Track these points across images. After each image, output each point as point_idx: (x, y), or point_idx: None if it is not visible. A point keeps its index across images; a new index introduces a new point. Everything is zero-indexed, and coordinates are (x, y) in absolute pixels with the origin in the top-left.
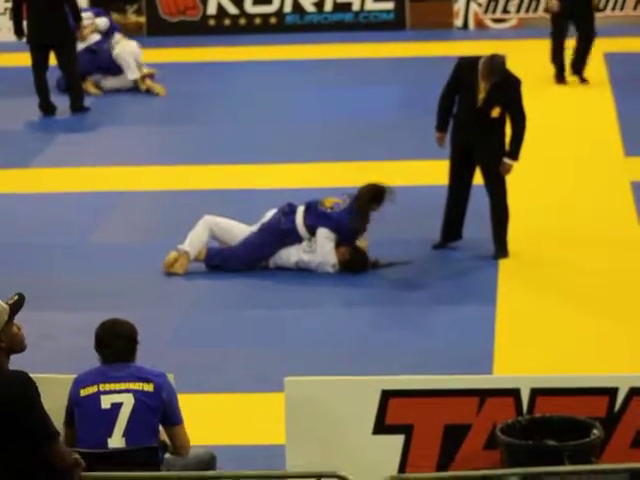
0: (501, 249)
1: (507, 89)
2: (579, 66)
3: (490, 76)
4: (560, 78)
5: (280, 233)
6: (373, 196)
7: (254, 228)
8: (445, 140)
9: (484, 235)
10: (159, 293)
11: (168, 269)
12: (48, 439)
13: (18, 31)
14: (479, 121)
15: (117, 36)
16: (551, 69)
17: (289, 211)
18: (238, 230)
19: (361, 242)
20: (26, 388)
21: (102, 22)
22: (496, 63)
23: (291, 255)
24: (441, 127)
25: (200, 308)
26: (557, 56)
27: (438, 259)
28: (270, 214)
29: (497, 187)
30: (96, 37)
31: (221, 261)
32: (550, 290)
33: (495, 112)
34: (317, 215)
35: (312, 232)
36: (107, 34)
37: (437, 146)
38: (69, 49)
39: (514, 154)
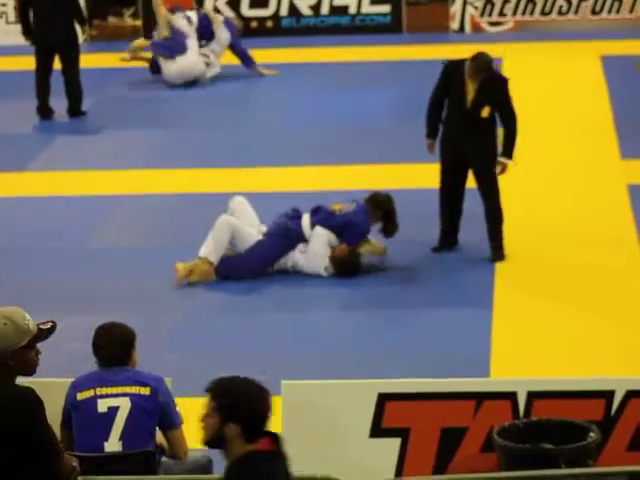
0: (497, 252)
1: (495, 88)
2: None
3: (477, 74)
4: None
5: (287, 236)
6: (379, 203)
7: (259, 236)
8: (435, 146)
9: (480, 237)
10: (157, 297)
11: (183, 280)
12: (53, 455)
13: (26, 32)
14: (469, 123)
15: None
16: (548, 70)
17: (294, 215)
18: (248, 235)
19: (372, 245)
20: (33, 404)
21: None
22: (482, 61)
23: (288, 258)
24: (431, 133)
25: (197, 312)
26: None
27: (434, 262)
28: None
29: (490, 189)
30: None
31: (231, 270)
32: (546, 292)
33: (485, 112)
34: (324, 215)
35: None
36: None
37: (425, 147)
38: (73, 53)
39: (508, 153)
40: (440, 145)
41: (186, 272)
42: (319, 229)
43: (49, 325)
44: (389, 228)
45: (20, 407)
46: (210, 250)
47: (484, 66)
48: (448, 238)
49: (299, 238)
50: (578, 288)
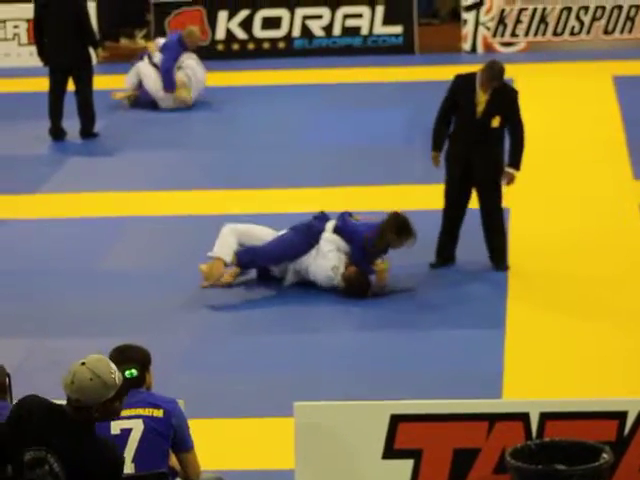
0: (501, 261)
1: (506, 98)
2: None
3: (491, 82)
4: None
5: (309, 233)
6: (395, 225)
7: (284, 230)
8: (440, 160)
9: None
10: (169, 318)
11: (210, 281)
12: None
13: (40, 53)
14: (479, 133)
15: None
16: (560, 90)
17: (321, 217)
18: (264, 233)
19: (380, 265)
20: (120, 460)
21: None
22: (496, 68)
23: (302, 261)
24: (437, 146)
25: (209, 333)
26: None
27: (445, 281)
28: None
29: (495, 199)
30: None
31: (252, 256)
32: (560, 309)
33: (495, 121)
34: (342, 221)
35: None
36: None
37: (437, 167)
38: (86, 74)
39: (516, 164)
40: (446, 159)
41: (209, 271)
42: (328, 234)
43: (134, 372)
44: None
45: (110, 463)
46: (220, 250)
47: (498, 73)
48: (445, 254)
49: (319, 237)
50: (592, 304)
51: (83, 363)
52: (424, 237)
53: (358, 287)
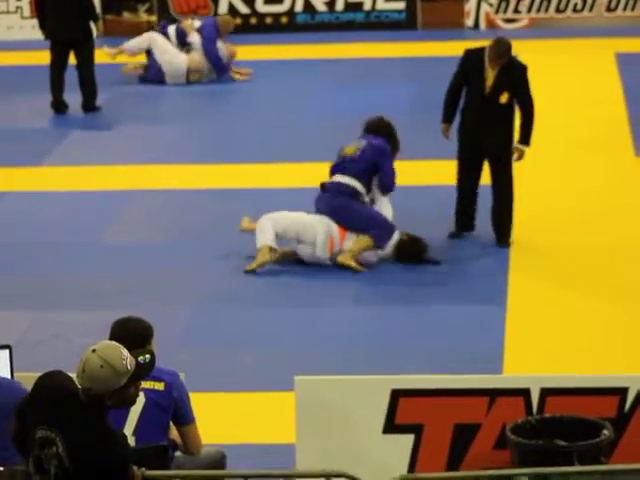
0: (505, 237)
1: (515, 74)
2: None
3: (498, 58)
4: None
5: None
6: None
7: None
8: (450, 131)
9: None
10: (171, 292)
11: (254, 266)
12: None
13: (42, 26)
14: (487, 109)
15: None
16: (563, 67)
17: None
18: (297, 215)
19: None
20: (126, 454)
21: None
22: (503, 44)
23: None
24: (447, 118)
25: (210, 307)
26: None
27: (447, 255)
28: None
29: (505, 175)
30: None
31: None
32: (562, 286)
33: (504, 98)
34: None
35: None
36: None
37: (446, 141)
38: (87, 48)
39: (525, 139)
40: (458, 136)
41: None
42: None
43: (147, 357)
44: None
45: (118, 457)
46: (262, 238)
47: (506, 50)
48: (463, 222)
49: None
50: (594, 280)
51: (94, 350)
52: (429, 212)
53: (414, 253)
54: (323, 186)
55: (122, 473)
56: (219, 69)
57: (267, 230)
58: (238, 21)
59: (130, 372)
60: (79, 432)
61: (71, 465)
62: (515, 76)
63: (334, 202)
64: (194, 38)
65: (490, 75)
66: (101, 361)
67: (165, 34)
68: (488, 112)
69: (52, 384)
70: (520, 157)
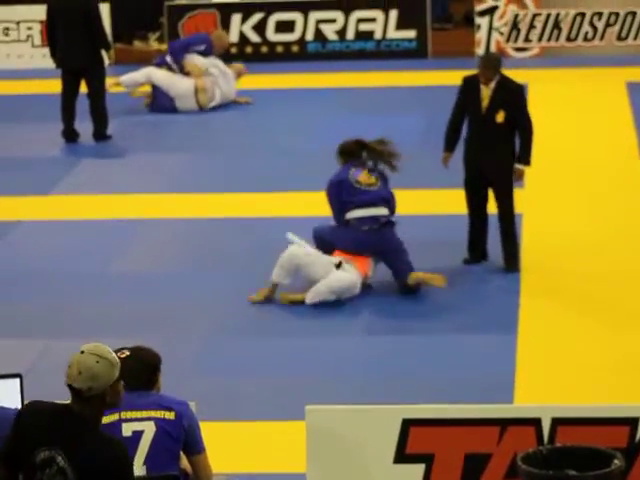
0: (512, 262)
1: (510, 93)
2: None
3: (487, 70)
4: None
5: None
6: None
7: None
8: (449, 160)
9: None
10: (180, 321)
11: (255, 299)
12: None
13: (53, 55)
14: (486, 129)
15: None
16: (573, 96)
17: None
18: (323, 260)
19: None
20: (123, 453)
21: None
22: (490, 56)
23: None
24: (448, 147)
25: (220, 336)
26: None
27: (458, 283)
28: None
29: (506, 201)
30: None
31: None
32: (573, 314)
33: (500, 116)
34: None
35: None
36: None
37: (458, 169)
38: (98, 77)
39: (525, 159)
40: (463, 162)
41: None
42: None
43: (126, 354)
44: (378, 155)
45: (117, 458)
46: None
47: (493, 61)
48: (476, 252)
49: None
50: (605, 306)
51: (82, 352)
52: (441, 241)
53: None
54: (357, 221)
55: (123, 471)
56: (174, 55)
57: (284, 266)
58: (249, 50)
59: (119, 364)
60: (77, 444)
61: (75, 476)
62: (510, 95)
63: (383, 237)
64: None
65: (485, 94)
66: (95, 357)
67: (165, 64)
68: (486, 133)
69: (37, 407)
70: (520, 177)
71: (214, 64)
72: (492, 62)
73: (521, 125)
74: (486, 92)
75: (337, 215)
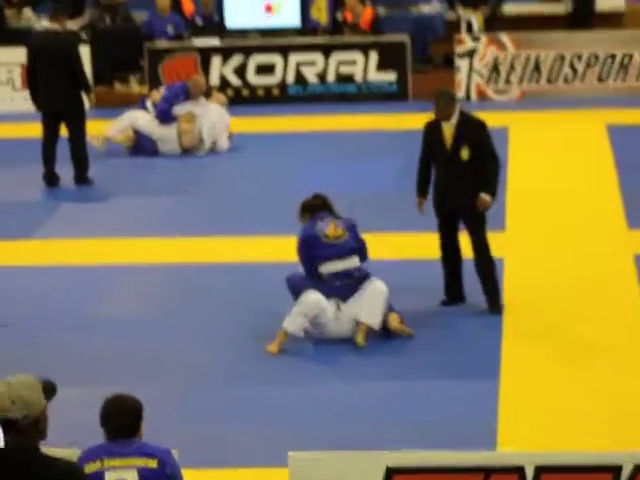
0: (494, 302)
1: (472, 129)
2: None
3: (445, 106)
4: None
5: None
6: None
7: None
8: (424, 205)
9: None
10: (163, 367)
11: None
12: None
13: (34, 98)
14: (452, 167)
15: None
16: (554, 139)
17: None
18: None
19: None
20: (73, 467)
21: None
22: (445, 92)
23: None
24: (420, 192)
25: (203, 382)
26: None
27: (440, 327)
28: None
29: (478, 228)
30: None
31: None
32: (555, 357)
33: (464, 153)
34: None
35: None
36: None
37: (430, 215)
38: (79, 120)
39: (489, 190)
40: (433, 205)
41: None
42: None
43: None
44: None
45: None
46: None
47: (447, 95)
48: (452, 294)
49: None
50: (588, 351)
51: (9, 383)
52: (419, 284)
53: None
54: (330, 276)
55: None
56: (162, 118)
57: (307, 314)
58: (230, 93)
59: (42, 389)
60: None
61: None
62: (473, 130)
63: (352, 288)
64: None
65: (448, 133)
66: (23, 386)
67: (146, 108)
68: (453, 171)
69: None
70: (484, 207)
71: (195, 104)
72: (448, 97)
73: (485, 160)
74: (449, 130)
75: (309, 271)
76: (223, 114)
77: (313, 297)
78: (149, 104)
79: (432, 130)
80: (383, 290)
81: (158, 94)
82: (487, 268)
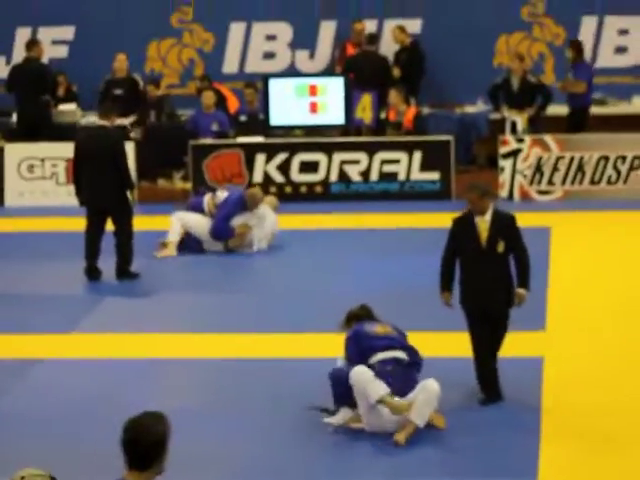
0: (491, 393)
1: (505, 223)
2: None
3: (483, 199)
4: None
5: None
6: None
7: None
8: (451, 299)
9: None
10: (208, 461)
11: None
12: None
13: (78, 193)
14: (488, 261)
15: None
16: (597, 239)
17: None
18: None
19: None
20: None
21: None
22: (475, 184)
23: None
24: (447, 287)
25: (248, 477)
26: None
27: (475, 427)
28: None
29: (503, 335)
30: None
31: None
32: (596, 456)
33: (500, 247)
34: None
35: None
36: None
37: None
38: (124, 216)
39: (525, 284)
40: (462, 303)
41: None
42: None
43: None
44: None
45: None
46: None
47: (480, 186)
48: (491, 391)
49: None
50: (631, 441)
51: (23, 477)
52: (454, 384)
53: None
54: (380, 363)
55: None
56: (216, 235)
57: (372, 382)
58: (273, 190)
59: None
60: None
61: None
62: (507, 225)
63: (408, 378)
64: (214, 210)
65: (483, 227)
66: (39, 478)
67: (200, 207)
68: (488, 266)
69: None
70: (521, 301)
71: (250, 216)
72: (485, 190)
73: (518, 253)
74: (483, 225)
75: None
76: (275, 223)
77: (362, 368)
78: (206, 206)
79: (462, 226)
80: (436, 390)
81: (216, 199)
82: (495, 361)
